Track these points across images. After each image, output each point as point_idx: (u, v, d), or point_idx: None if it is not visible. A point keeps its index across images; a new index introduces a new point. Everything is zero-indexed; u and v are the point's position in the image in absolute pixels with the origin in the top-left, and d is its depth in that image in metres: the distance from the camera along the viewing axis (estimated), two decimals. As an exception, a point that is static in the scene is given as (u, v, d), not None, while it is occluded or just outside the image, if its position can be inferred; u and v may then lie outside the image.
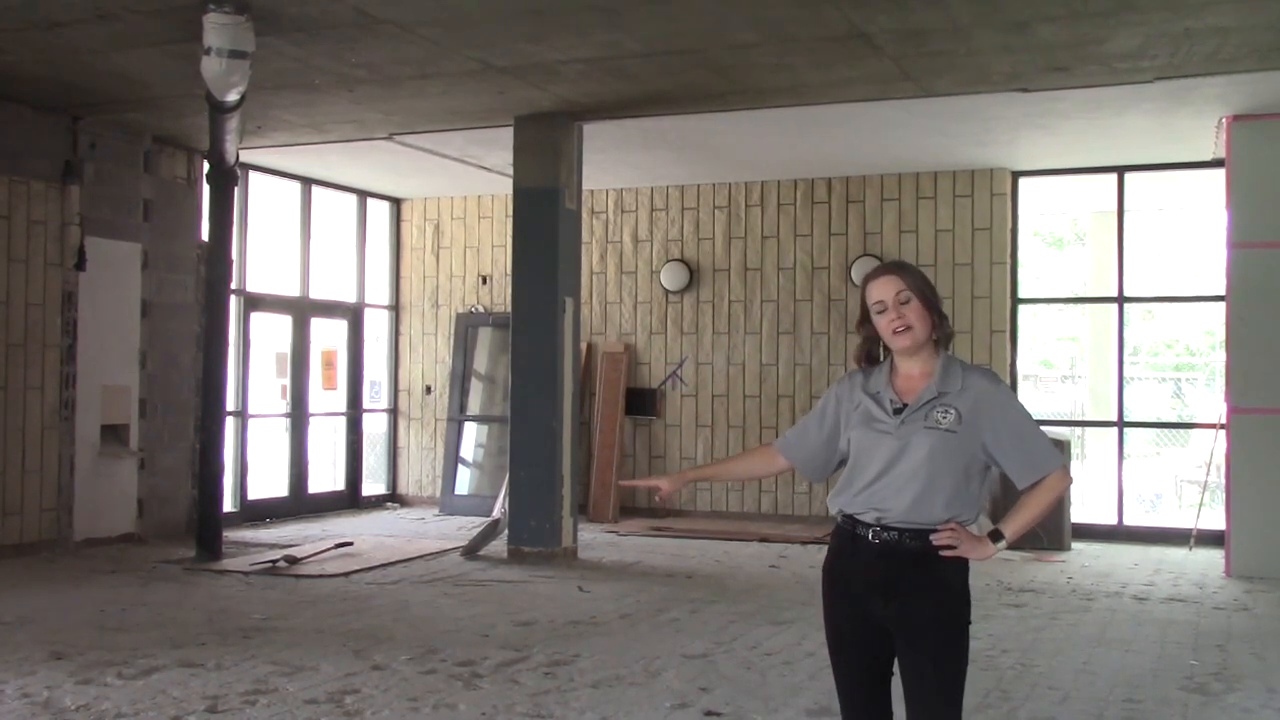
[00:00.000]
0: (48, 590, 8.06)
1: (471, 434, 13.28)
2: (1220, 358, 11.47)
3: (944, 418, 3.18)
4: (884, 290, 3.25)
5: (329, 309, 13.09)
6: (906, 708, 3.21)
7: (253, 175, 11.87)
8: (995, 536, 3.22)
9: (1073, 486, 10.47)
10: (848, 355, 11.97)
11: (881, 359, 3.36)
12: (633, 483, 3.90)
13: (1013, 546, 3.32)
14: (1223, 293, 9.68)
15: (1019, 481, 3.25)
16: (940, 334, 3.28)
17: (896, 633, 3.19)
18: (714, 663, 6.17)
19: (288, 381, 12.57)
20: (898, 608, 3.16)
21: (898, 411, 3.23)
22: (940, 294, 3.36)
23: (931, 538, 3.15)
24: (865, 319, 3.32)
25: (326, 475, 13.23)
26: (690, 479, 3.72)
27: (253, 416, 11.93)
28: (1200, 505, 10.70)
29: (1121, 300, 11.50)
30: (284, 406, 12.54)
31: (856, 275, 11.87)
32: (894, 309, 3.22)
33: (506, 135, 9.92)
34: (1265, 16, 7.08)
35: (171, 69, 8.40)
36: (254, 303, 11.98)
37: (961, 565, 3.20)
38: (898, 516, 3.17)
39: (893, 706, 3.31)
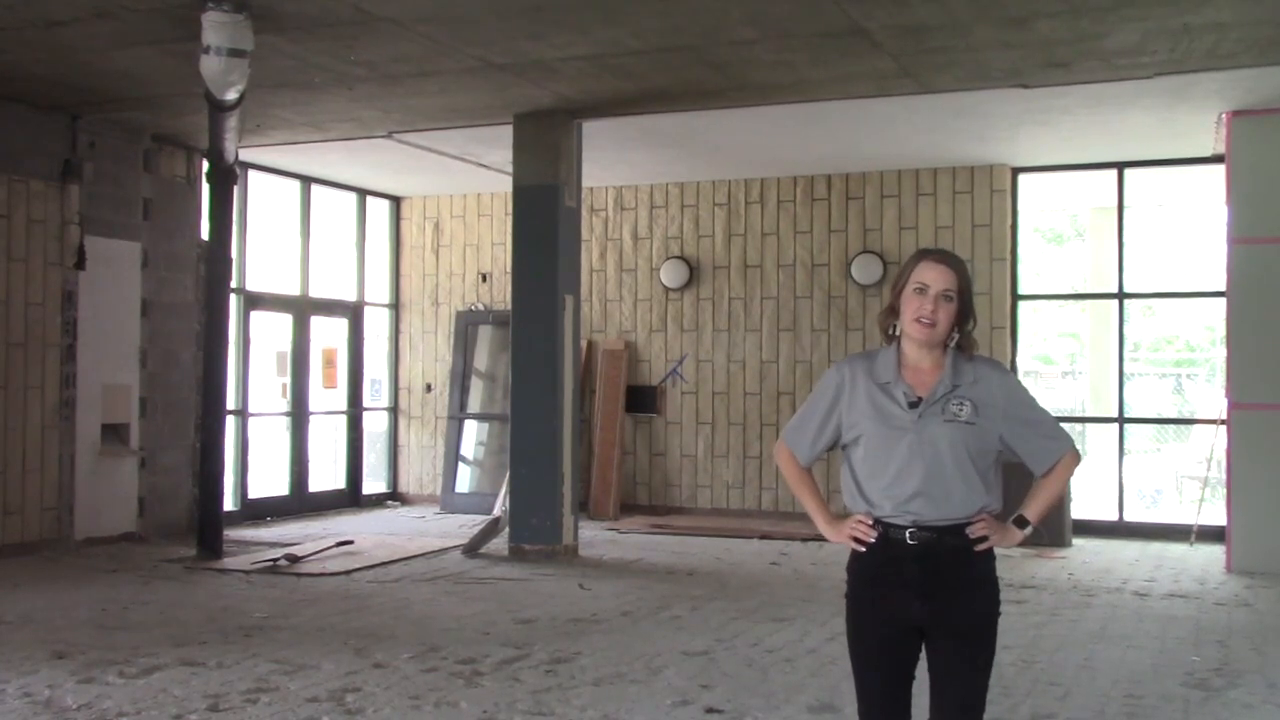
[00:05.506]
0: (49, 589, 8.06)
1: (472, 432, 13.28)
2: (1221, 353, 11.47)
3: (960, 410, 3.14)
4: (935, 278, 3.16)
5: (329, 307, 13.09)
6: (938, 703, 3.18)
7: (252, 174, 11.86)
8: (1020, 523, 3.24)
9: (1077, 473, 10.67)
10: (848, 351, 11.98)
11: (888, 342, 3.27)
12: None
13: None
14: (1223, 288, 9.68)
15: (1037, 468, 3.25)
16: (959, 340, 3.22)
17: (934, 631, 3.15)
18: (715, 660, 6.17)
19: (288, 380, 12.57)
20: (939, 607, 3.13)
21: (913, 405, 3.16)
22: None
23: (967, 531, 3.14)
24: (898, 292, 3.22)
25: (327, 474, 13.22)
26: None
27: (253, 415, 11.93)
28: (1201, 501, 10.70)
29: (1121, 296, 11.50)
30: (284, 405, 12.54)
31: (856, 272, 11.87)
32: (932, 300, 3.15)
33: (506, 133, 9.92)
34: (1264, 11, 7.07)
35: (170, 68, 8.40)
36: (254, 301, 11.97)
37: (992, 556, 3.20)
38: (932, 515, 3.12)
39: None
